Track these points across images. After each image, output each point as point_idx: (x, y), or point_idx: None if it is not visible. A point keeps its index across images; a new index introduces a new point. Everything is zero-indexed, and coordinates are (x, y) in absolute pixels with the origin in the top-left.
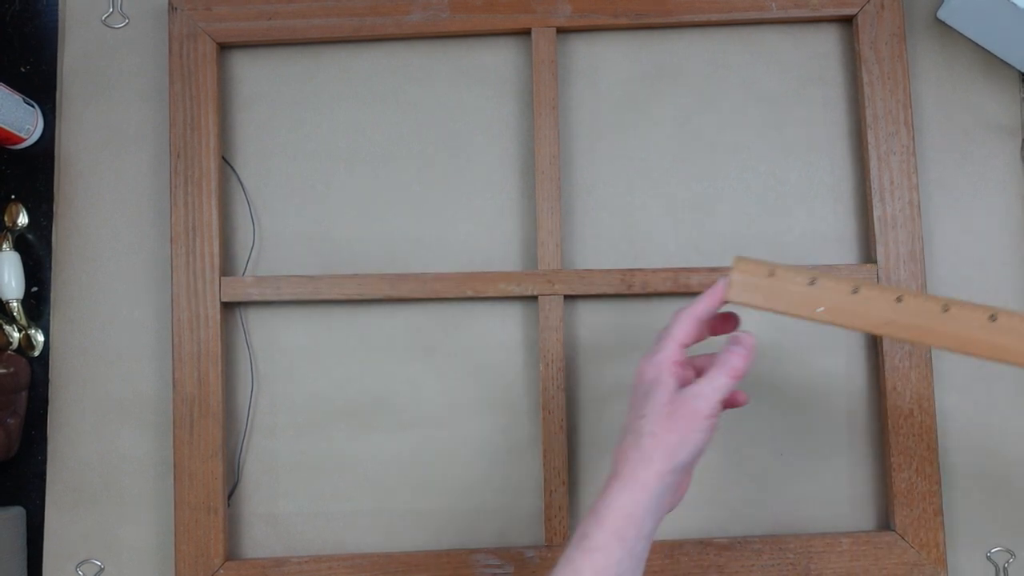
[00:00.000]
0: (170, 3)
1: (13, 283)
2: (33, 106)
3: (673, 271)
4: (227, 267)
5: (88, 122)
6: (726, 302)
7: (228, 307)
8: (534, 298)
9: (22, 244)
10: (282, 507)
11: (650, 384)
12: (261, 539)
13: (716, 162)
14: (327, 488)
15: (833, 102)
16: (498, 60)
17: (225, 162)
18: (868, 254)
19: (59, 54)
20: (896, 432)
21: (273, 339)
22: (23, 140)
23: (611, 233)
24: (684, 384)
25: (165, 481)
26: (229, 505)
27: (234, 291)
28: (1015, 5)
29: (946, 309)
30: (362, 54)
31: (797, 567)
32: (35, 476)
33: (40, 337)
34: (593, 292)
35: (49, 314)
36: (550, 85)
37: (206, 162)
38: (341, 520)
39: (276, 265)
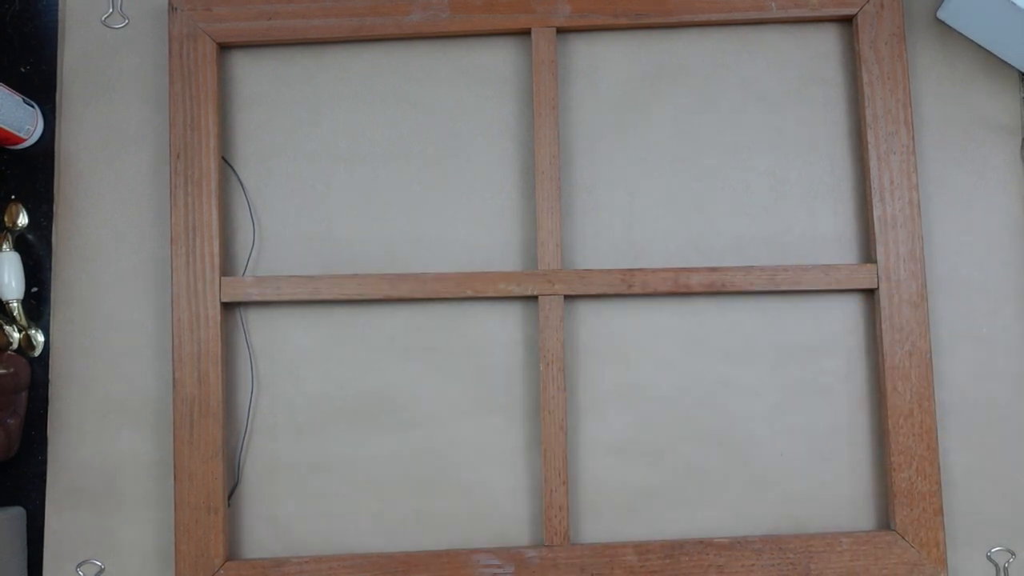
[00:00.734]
0: (170, 3)
1: (13, 283)
2: (33, 106)
3: (673, 271)
4: (227, 267)
5: (88, 122)
6: None
7: (228, 307)
8: (534, 298)
9: (22, 244)
10: (282, 507)
11: None
12: (261, 539)
13: (716, 162)
14: (327, 488)
15: (833, 102)
16: (498, 60)
17: (225, 162)
18: (868, 254)
19: (59, 54)
20: (896, 432)
21: (273, 339)
22: (23, 140)
23: (611, 233)
24: None
25: (165, 481)
26: (229, 505)
27: (234, 291)
28: (1015, 5)
29: None
30: (362, 54)
31: (797, 567)
32: (35, 476)
33: (40, 337)
34: (593, 292)
35: (49, 314)
36: (550, 85)
37: (206, 162)
38: (341, 520)
39: (276, 265)
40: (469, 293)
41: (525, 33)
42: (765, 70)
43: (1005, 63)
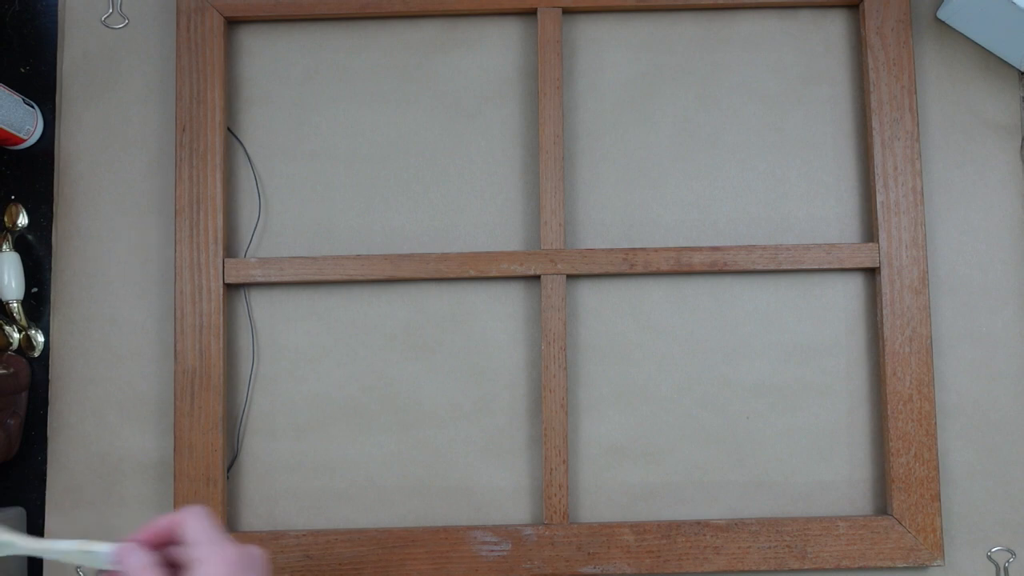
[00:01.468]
0: None
1: (13, 283)
2: (33, 107)
3: (675, 250)
4: (231, 242)
5: (88, 123)
6: None
7: (231, 287)
8: (536, 278)
9: (22, 244)
10: (281, 481)
11: None
12: (260, 512)
13: (720, 145)
14: (326, 463)
15: (839, 87)
16: (504, 40)
17: (231, 133)
18: (871, 239)
19: (59, 54)
20: (895, 417)
21: (275, 317)
22: (23, 141)
23: (614, 212)
24: None
25: (165, 481)
26: (228, 478)
27: (237, 272)
28: (1015, 5)
29: None
30: (369, 32)
31: (794, 549)
32: (35, 476)
33: (40, 337)
34: (596, 271)
35: (49, 314)
36: (555, 64)
37: (211, 135)
38: (339, 494)
39: (280, 240)
40: (472, 273)
41: (531, 13)
42: (770, 55)
43: (1005, 63)
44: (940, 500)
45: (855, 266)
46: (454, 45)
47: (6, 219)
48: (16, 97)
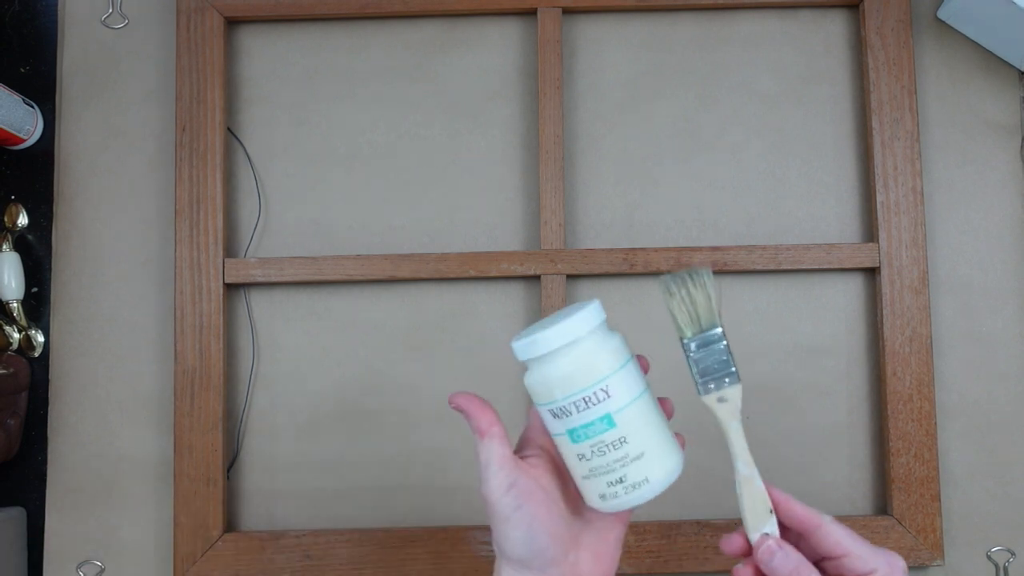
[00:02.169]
0: None
1: (13, 283)
2: (33, 107)
3: (676, 250)
4: (231, 241)
5: (88, 122)
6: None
7: (231, 287)
8: (536, 278)
9: (22, 244)
10: (281, 481)
11: None
12: (260, 512)
13: (720, 145)
14: (326, 463)
15: (839, 87)
16: (504, 39)
17: (231, 133)
18: (871, 239)
19: (59, 54)
20: (895, 417)
21: (275, 317)
22: (23, 141)
23: (614, 212)
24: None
25: (165, 481)
26: (228, 477)
27: (237, 272)
28: (1015, 5)
29: None
30: (368, 31)
31: None
32: (35, 476)
33: (40, 337)
34: (595, 271)
35: (49, 314)
36: (555, 64)
37: (211, 135)
38: (339, 495)
39: (280, 240)
40: (472, 273)
41: (531, 13)
42: (770, 54)
43: (1005, 63)
44: (940, 500)
45: (855, 266)
46: (454, 45)
47: (6, 219)
48: (16, 97)
